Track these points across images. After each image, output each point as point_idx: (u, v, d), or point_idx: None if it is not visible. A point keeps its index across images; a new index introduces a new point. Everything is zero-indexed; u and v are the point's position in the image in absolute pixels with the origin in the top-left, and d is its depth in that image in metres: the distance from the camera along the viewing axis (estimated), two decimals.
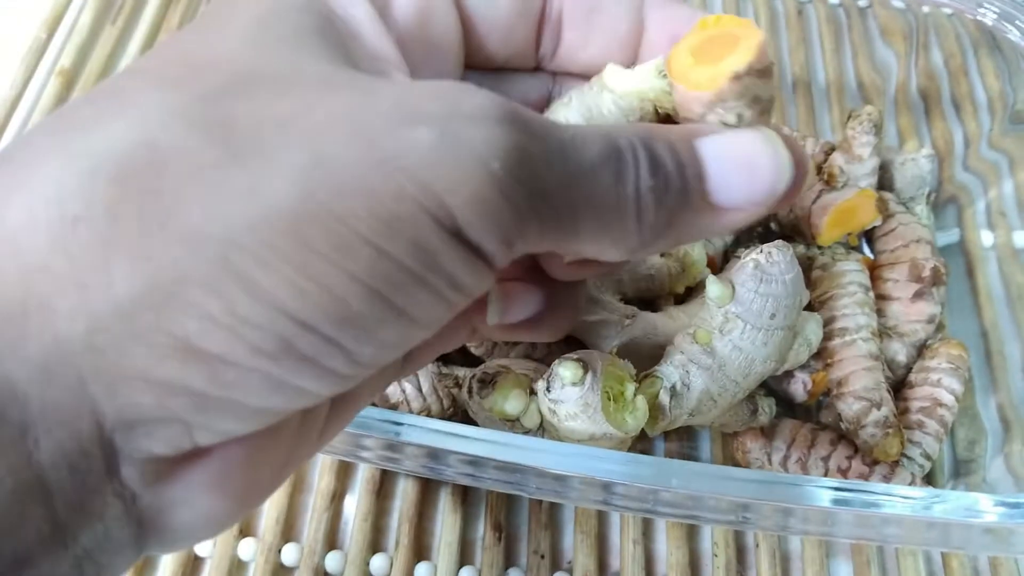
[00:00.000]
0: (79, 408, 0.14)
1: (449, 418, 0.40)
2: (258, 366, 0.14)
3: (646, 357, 0.35)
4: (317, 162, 0.14)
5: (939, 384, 0.37)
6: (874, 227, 0.40)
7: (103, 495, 0.14)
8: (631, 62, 0.23)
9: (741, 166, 0.18)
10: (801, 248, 0.41)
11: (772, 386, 0.39)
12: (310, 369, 0.15)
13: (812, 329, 0.35)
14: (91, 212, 0.14)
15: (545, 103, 0.26)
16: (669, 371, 0.33)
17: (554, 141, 0.16)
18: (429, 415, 0.38)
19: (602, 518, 0.40)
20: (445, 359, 0.39)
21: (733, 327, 0.33)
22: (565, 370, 0.30)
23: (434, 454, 0.32)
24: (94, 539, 0.15)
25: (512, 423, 0.34)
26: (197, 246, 0.14)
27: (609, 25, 0.23)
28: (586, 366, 0.30)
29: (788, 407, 0.39)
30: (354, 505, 0.40)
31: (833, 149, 0.42)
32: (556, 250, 0.18)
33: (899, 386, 0.39)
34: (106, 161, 0.14)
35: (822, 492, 0.29)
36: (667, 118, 0.23)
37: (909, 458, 0.36)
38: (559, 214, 0.16)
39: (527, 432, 0.34)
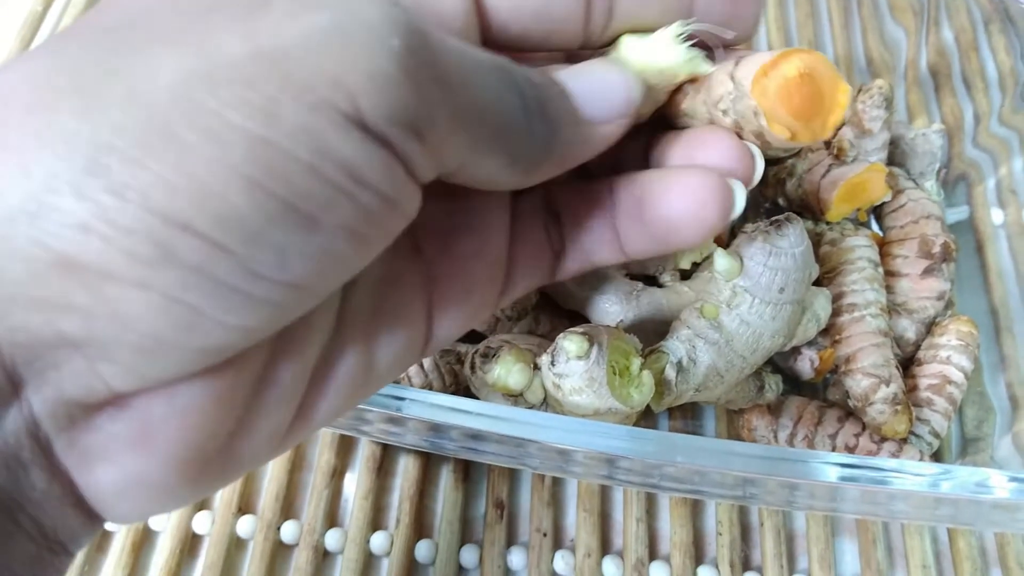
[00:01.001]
0: None
1: (452, 394, 0.40)
2: (139, 277, 0.13)
3: (652, 332, 0.34)
4: (198, 61, 0.14)
5: (948, 361, 0.36)
6: (883, 203, 0.40)
7: (15, 432, 0.14)
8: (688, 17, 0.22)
9: (596, 84, 0.21)
10: (810, 224, 0.40)
11: (779, 363, 0.38)
12: (202, 282, 0.14)
13: (821, 304, 0.35)
14: None
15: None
16: (675, 346, 0.32)
17: (448, 37, 0.16)
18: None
19: (605, 496, 0.39)
20: None
21: (741, 301, 0.32)
22: (570, 343, 0.29)
23: (436, 428, 0.31)
24: (16, 486, 0.14)
25: (516, 398, 0.33)
26: (68, 152, 0.13)
27: None
28: (591, 339, 0.29)
29: (794, 384, 0.39)
30: (354, 482, 0.40)
31: (843, 123, 0.42)
32: (465, 168, 0.17)
33: (908, 363, 0.38)
34: None
35: (829, 468, 0.29)
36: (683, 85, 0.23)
37: (917, 436, 0.36)
38: (464, 110, 0.16)
39: (531, 407, 0.33)
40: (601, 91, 0.21)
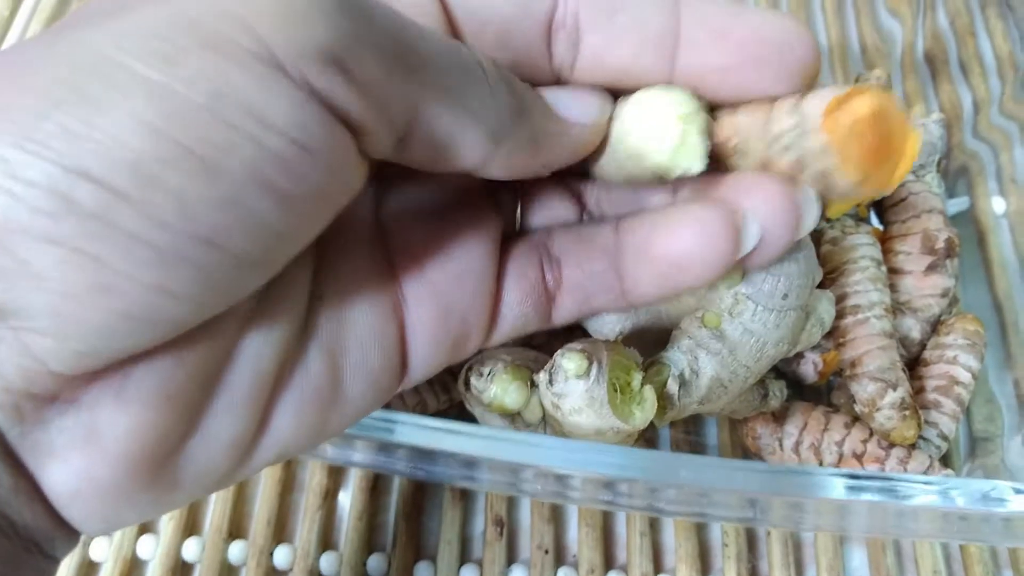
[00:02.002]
0: None
1: (445, 413, 0.38)
2: (45, 230, 0.13)
3: (652, 342, 0.33)
4: (120, 25, 0.14)
5: (955, 361, 0.35)
6: (883, 197, 0.39)
7: None
8: (668, 65, 0.20)
9: (567, 93, 0.21)
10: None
11: (781, 367, 0.37)
12: (104, 230, 0.13)
13: (824, 307, 0.34)
14: None
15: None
16: (677, 357, 0.31)
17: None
18: (423, 410, 0.37)
19: (607, 511, 0.38)
20: None
21: (743, 309, 0.31)
22: (569, 362, 0.28)
23: (430, 455, 0.30)
24: None
25: (513, 418, 0.32)
26: None
27: (637, 25, 0.20)
28: (591, 357, 0.28)
29: (797, 388, 0.38)
30: (348, 503, 0.39)
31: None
32: (422, 126, 0.17)
33: (913, 363, 0.37)
34: None
35: (835, 481, 0.28)
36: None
37: (926, 439, 0.35)
38: (404, 50, 0.16)
39: (529, 427, 0.32)
40: (573, 96, 0.21)
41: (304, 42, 0.14)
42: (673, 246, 0.22)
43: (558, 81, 0.21)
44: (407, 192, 0.23)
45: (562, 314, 0.25)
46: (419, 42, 0.16)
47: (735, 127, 0.21)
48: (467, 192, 0.24)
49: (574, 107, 0.21)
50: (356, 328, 0.20)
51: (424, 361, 0.22)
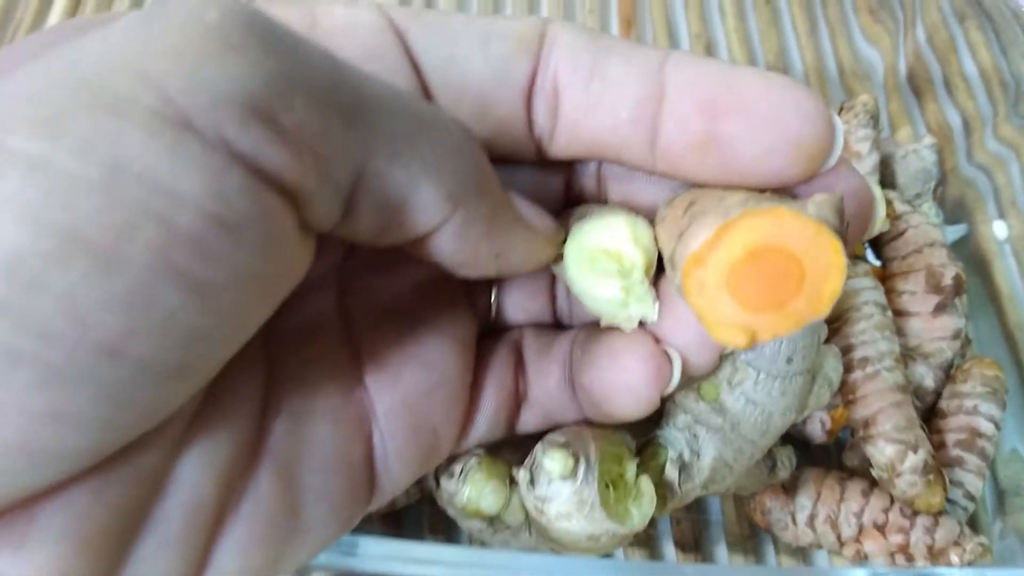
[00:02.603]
0: None
1: (415, 508, 0.34)
2: None
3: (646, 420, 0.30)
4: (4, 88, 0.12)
5: (975, 411, 0.32)
6: (880, 232, 0.35)
7: None
8: (648, 136, 0.17)
9: (527, 204, 0.18)
10: None
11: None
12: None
13: (832, 366, 0.30)
14: None
15: (557, 205, 0.21)
16: (673, 436, 0.27)
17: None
18: (392, 507, 0.33)
19: None
20: None
21: (744, 377, 0.27)
22: (552, 461, 0.24)
23: None
24: None
25: (491, 520, 0.28)
26: None
27: (615, 91, 0.17)
28: (577, 454, 0.24)
29: (804, 448, 0.34)
30: None
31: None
32: (371, 179, 0.14)
33: (928, 414, 0.34)
34: None
35: None
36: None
37: (952, 502, 0.31)
38: (344, 98, 0.13)
39: (509, 529, 0.28)
40: (535, 207, 0.19)
41: (219, 92, 0.12)
42: (600, 381, 0.21)
43: (539, 152, 0.19)
44: (375, 286, 0.21)
45: (526, 425, 0.23)
46: (364, 84, 0.14)
47: (660, 239, 0.19)
48: (440, 287, 0.21)
49: (530, 213, 0.19)
50: (317, 445, 0.18)
51: (393, 480, 0.20)
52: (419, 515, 0.35)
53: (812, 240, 0.15)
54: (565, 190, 0.21)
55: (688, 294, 0.16)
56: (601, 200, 0.21)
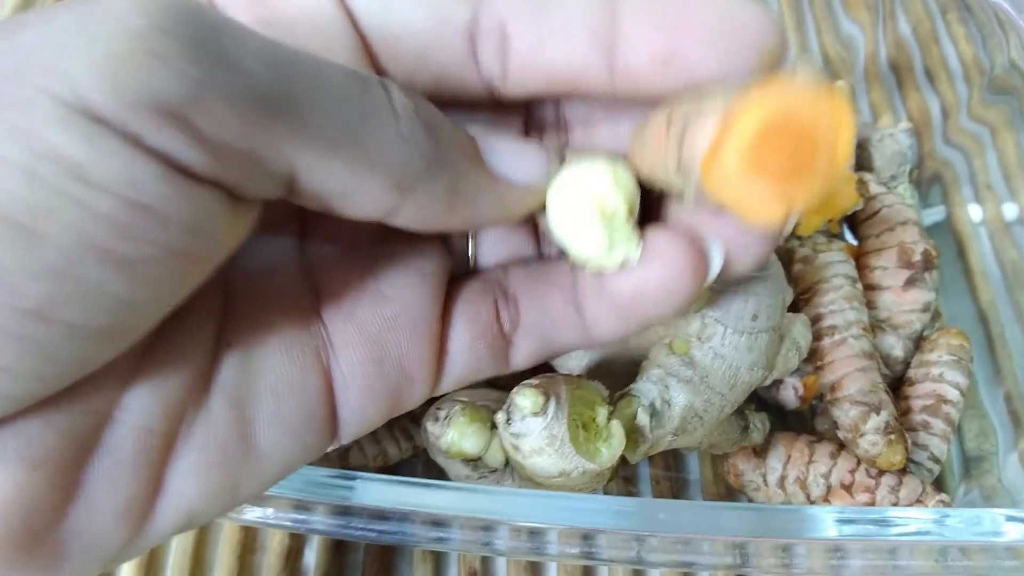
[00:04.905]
0: None
1: (409, 463, 0.36)
2: None
3: (621, 376, 0.31)
4: None
5: (941, 379, 0.34)
6: (856, 211, 0.37)
7: None
8: (606, 60, 0.18)
9: (509, 144, 0.19)
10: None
11: (762, 396, 0.35)
12: None
13: (800, 331, 0.32)
14: None
15: (522, 126, 0.22)
16: (646, 388, 0.29)
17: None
18: (385, 461, 0.35)
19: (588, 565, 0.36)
20: None
21: (712, 332, 0.29)
22: (523, 399, 0.26)
23: (389, 517, 0.28)
24: None
25: (475, 464, 0.30)
26: None
27: (567, 20, 0.18)
28: (548, 392, 0.26)
29: (780, 415, 0.36)
30: (312, 563, 0.36)
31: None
32: (308, 172, 0.15)
33: (897, 383, 0.36)
34: None
35: (823, 517, 0.26)
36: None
37: (917, 463, 0.33)
38: (275, 101, 0.14)
39: (493, 472, 0.30)
40: (515, 149, 0.19)
41: (132, 95, 0.12)
42: (633, 280, 0.20)
43: (490, 93, 0.19)
44: (335, 234, 0.21)
45: (520, 357, 0.23)
46: (303, 81, 0.15)
47: (645, 164, 0.19)
48: (409, 235, 0.22)
49: (511, 162, 0.19)
50: (267, 375, 0.18)
51: (358, 413, 0.20)
52: (413, 470, 0.37)
53: (814, 103, 0.15)
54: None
55: (714, 192, 0.16)
56: (563, 147, 0.21)
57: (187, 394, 0.17)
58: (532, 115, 0.21)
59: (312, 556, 0.37)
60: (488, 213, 0.19)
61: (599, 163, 0.20)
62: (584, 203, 0.20)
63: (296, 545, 0.37)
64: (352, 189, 0.16)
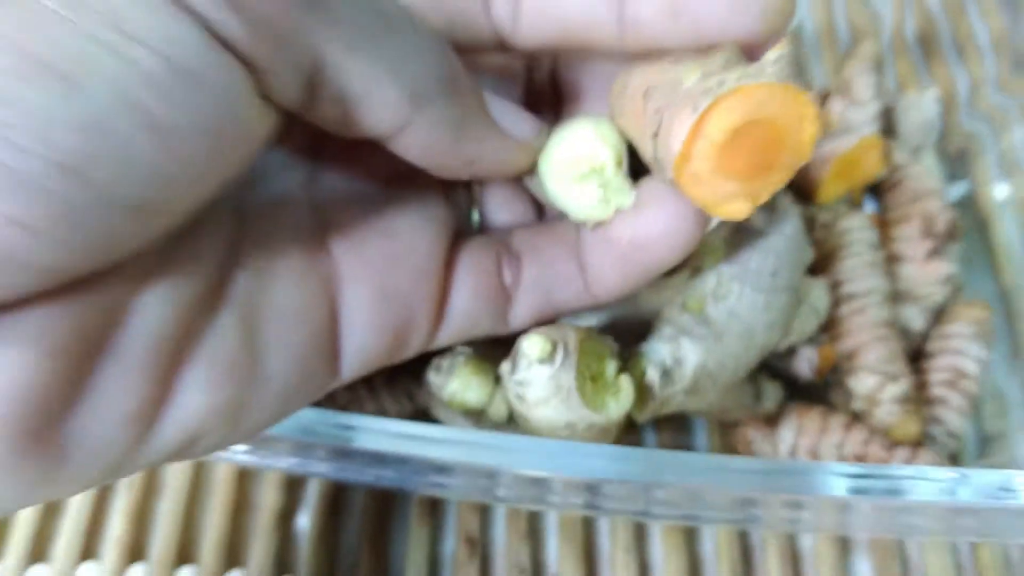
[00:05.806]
0: None
1: (411, 419, 0.35)
2: None
3: (631, 335, 0.30)
4: None
5: (961, 352, 0.33)
6: (879, 181, 0.36)
7: None
8: (615, 14, 0.18)
9: (509, 106, 0.20)
10: (799, 207, 0.36)
11: (774, 364, 0.34)
12: None
13: (818, 295, 0.31)
14: None
15: (521, 94, 0.22)
16: (657, 346, 0.28)
17: None
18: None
19: (589, 524, 0.35)
20: None
21: (728, 291, 0.28)
22: (531, 346, 0.25)
23: (389, 461, 0.27)
24: None
25: (478, 416, 0.29)
26: None
27: None
28: (556, 340, 0.25)
29: (793, 388, 0.35)
30: (306, 524, 0.36)
31: (828, 95, 0.38)
32: (329, 70, 0.15)
33: (916, 356, 0.35)
34: None
35: (836, 479, 0.25)
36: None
37: (933, 438, 0.32)
38: None
39: (495, 426, 0.29)
40: (510, 111, 0.20)
41: None
42: (634, 227, 0.20)
43: (499, 43, 0.20)
44: (346, 173, 0.22)
45: (520, 315, 0.23)
46: None
47: (623, 127, 0.20)
48: (416, 182, 0.22)
49: (510, 119, 0.20)
50: (277, 298, 0.18)
51: (360, 347, 0.20)
52: None
53: (781, 101, 0.17)
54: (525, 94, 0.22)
55: (685, 188, 0.18)
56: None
57: (199, 305, 0.17)
58: (528, 89, 0.23)
59: (305, 517, 0.36)
60: (488, 157, 0.19)
61: (582, 121, 0.21)
62: (573, 161, 0.21)
63: (289, 504, 0.36)
64: (369, 92, 0.16)
